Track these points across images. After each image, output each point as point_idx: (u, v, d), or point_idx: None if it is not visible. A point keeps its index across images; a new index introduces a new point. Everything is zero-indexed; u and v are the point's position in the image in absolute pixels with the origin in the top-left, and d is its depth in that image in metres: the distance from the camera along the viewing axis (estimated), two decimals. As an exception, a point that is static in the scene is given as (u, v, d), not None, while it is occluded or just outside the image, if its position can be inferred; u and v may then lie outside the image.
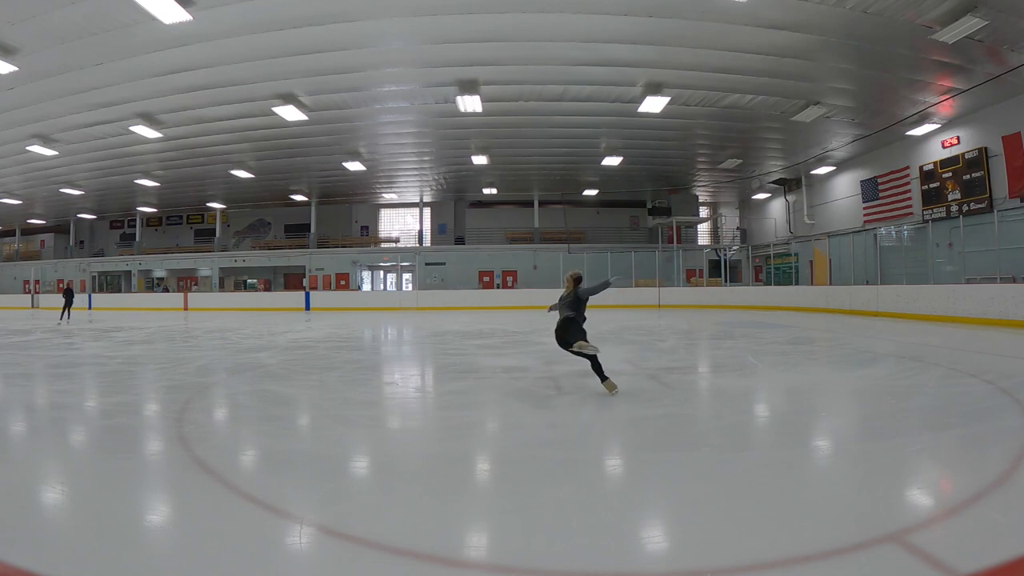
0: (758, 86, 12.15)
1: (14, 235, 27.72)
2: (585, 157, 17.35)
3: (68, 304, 15.93)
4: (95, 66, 10.69)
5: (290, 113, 12.42)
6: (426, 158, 18.30)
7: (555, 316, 4.82)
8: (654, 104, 12.18)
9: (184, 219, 27.30)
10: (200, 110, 13.23)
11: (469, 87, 11.50)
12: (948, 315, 11.82)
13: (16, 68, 10.01)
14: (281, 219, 27.19)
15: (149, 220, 26.88)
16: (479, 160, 16.76)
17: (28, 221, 26.20)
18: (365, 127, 14.55)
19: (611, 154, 16.64)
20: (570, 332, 4.51)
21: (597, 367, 4.49)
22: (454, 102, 12.00)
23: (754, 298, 18.23)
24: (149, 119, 13.41)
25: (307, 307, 21.80)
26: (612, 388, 4.40)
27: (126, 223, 27.50)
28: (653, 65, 11.08)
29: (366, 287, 25.60)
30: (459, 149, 16.53)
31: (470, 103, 11.80)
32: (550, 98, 12.32)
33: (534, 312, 17.29)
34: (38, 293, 24.45)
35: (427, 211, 26.08)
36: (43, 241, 28.22)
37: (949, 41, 9.59)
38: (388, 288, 26.16)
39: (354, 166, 17.41)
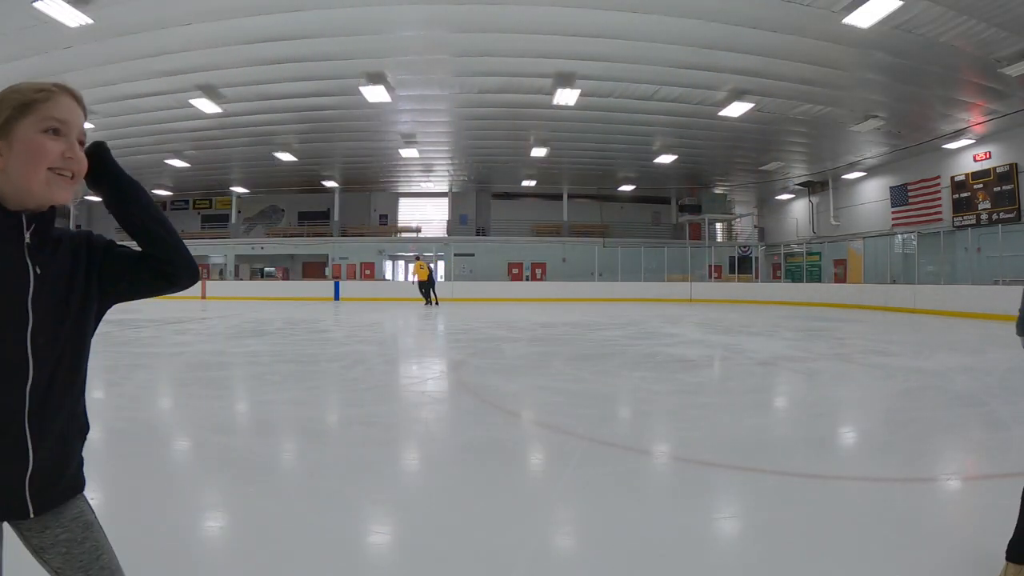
0: (829, 98, 12.81)
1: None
2: (636, 153, 17.72)
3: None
4: (162, 30, 9.93)
5: (376, 94, 12.09)
6: (471, 147, 18.20)
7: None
8: (736, 109, 12.67)
9: (190, 204, 25.95)
10: (268, 86, 12.64)
11: (567, 80, 11.60)
12: (987, 313, 12.90)
13: (91, 21, 8.91)
14: (295, 206, 26.28)
15: (152, 203, 25.38)
16: (537, 152, 16.84)
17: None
18: (446, 111, 14.31)
19: (665, 152, 17.09)
20: None
21: None
22: (549, 94, 12.06)
23: (787, 294, 19.15)
24: (211, 92, 12.71)
25: (336, 297, 21.30)
26: None
27: (127, 206, 25.85)
28: (742, 72, 11.48)
29: (388, 276, 25.19)
30: (517, 141, 16.53)
31: (567, 96, 11.90)
32: (641, 96, 12.57)
33: (583, 304, 17.60)
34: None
35: (445, 201, 25.86)
36: (37, 223, 26.11)
37: (1013, 75, 10.56)
38: (410, 278, 25.82)
39: (409, 152, 17.12)
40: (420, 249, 24.90)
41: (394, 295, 21.12)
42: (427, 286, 16.72)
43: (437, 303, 16.68)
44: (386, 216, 26.60)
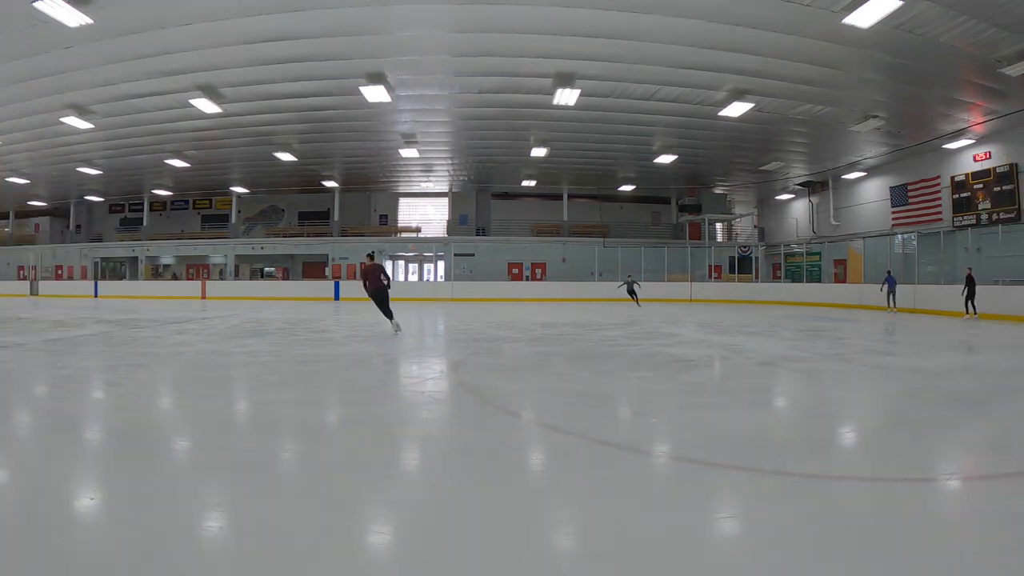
0: (829, 98, 12.82)
1: (7, 218, 25.54)
2: (636, 153, 17.73)
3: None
4: (161, 29, 9.90)
5: (376, 94, 12.08)
6: (471, 147, 18.19)
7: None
8: (736, 109, 12.67)
9: (191, 204, 25.94)
10: (268, 86, 12.62)
11: (567, 80, 11.60)
12: (987, 313, 12.88)
13: (91, 21, 8.87)
14: (295, 206, 26.31)
15: (152, 205, 25.40)
16: (537, 152, 16.84)
17: (27, 203, 24.24)
18: (446, 111, 14.30)
19: (665, 152, 17.09)
20: None
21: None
22: (549, 94, 12.06)
23: (787, 294, 19.16)
24: (211, 92, 12.70)
25: (336, 296, 21.32)
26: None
27: (127, 207, 25.87)
28: (742, 72, 11.47)
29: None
30: (517, 141, 16.53)
31: (567, 96, 11.90)
32: (641, 96, 12.57)
33: (583, 304, 17.60)
34: (36, 280, 22.69)
35: (445, 201, 25.85)
36: (37, 225, 26.15)
37: (1013, 75, 10.55)
38: (410, 278, 25.83)
39: (409, 152, 17.12)
40: (420, 249, 24.94)
41: (394, 295, 21.07)
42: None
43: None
44: (386, 216, 26.61)
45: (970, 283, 12.45)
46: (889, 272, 15.35)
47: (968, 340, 8.60)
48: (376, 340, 8.00)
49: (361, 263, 10.85)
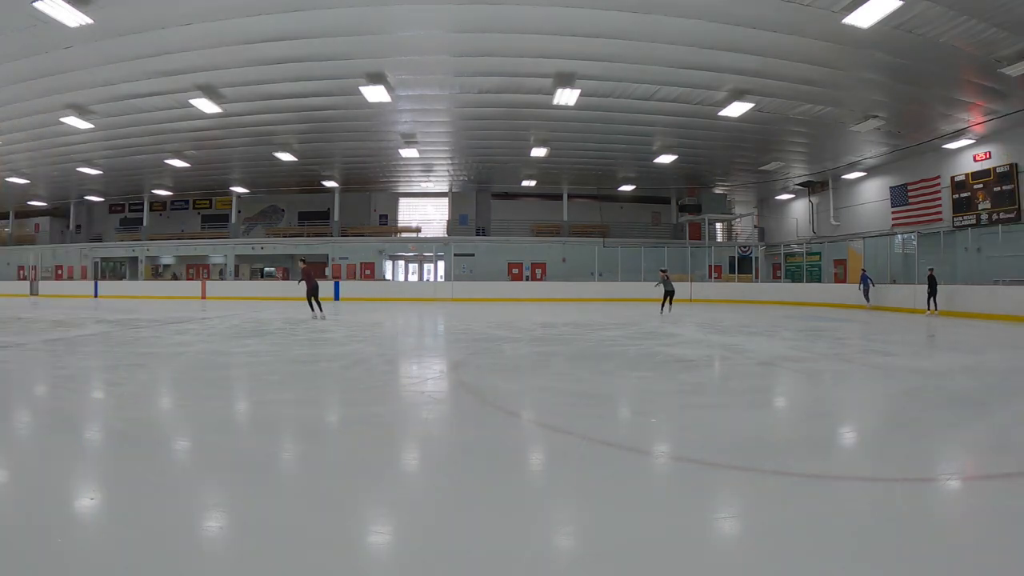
0: (829, 98, 12.82)
1: (7, 218, 25.56)
2: (636, 153, 17.74)
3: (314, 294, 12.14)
4: (161, 29, 9.87)
5: (376, 94, 12.09)
6: (471, 147, 18.21)
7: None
8: (736, 109, 12.68)
9: (191, 204, 25.95)
10: (268, 86, 12.62)
11: (567, 80, 11.60)
12: (987, 313, 12.89)
13: (91, 21, 8.85)
14: (295, 206, 26.32)
15: (152, 205, 25.41)
16: (537, 152, 16.84)
17: (27, 203, 24.24)
18: (446, 111, 14.31)
19: (665, 152, 17.10)
20: None
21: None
22: (549, 94, 12.06)
23: (787, 294, 19.16)
24: (211, 92, 12.69)
25: (336, 297, 21.30)
26: None
27: (127, 207, 25.86)
28: (742, 72, 11.48)
29: (388, 276, 25.21)
30: (517, 141, 16.54)
31: (567, 96, 11.90)
32: (641, 96, 12.58)
33: (583, 304, 17.59)
34: (36, 280, 22.69)
35: (445, 201, 25.86)
36: (37, 225, 26.18)
37: (1013, 75, 10.56)
38: (410, 278, 25.83)
39: (409, 152, 17.13)
40: (420, 249, 24.94)
41: (394, 295, 21.12)
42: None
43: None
44: (386, 216, 26.62)
45: (932, 282, 13.54)
46: (864, 271, 16.10)
47: (967, 340, 8.59)
48: (376, 340, 8.00)
49: (303, 267, 12.67)
